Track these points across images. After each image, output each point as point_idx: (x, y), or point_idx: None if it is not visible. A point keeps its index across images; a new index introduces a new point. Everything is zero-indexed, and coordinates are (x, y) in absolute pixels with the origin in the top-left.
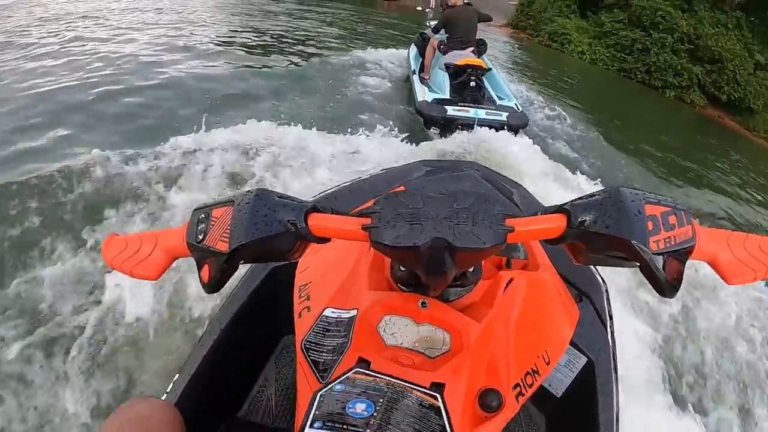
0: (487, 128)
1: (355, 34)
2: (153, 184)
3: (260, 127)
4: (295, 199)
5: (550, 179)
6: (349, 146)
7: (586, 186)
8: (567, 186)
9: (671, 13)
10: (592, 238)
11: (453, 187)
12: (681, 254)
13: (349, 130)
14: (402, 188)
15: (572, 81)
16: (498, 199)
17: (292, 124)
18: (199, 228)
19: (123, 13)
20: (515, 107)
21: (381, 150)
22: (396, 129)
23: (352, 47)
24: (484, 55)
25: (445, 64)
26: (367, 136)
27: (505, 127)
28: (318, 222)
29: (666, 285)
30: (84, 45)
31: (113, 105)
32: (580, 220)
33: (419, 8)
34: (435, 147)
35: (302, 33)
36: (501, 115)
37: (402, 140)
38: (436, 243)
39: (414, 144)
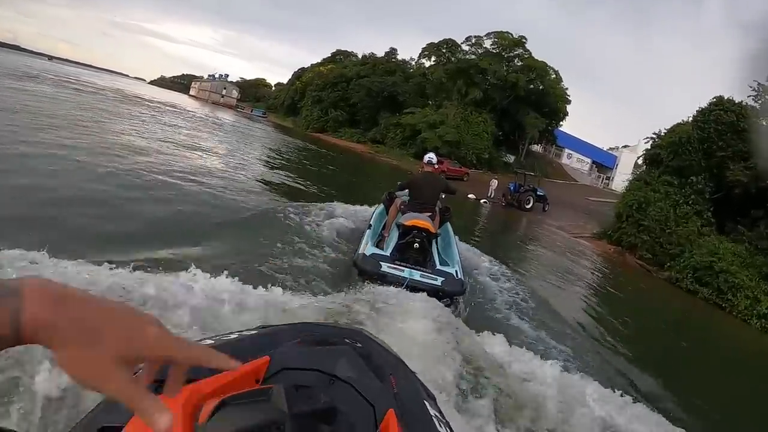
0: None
1: None
2: None
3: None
4: None
5: None
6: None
7: None
8: None
9: None
10: None
11: (323, 364)
12: None
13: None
14: (267, 358)
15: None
16: None
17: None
18: None
19: None
20: (454, 274)
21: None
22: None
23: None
24: (447, 223)
25: (396, 223)
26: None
27: (440, 293)
28: None
29: None
30: None
31: None
32: None
33: (474, 197)
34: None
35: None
36: (436, 280)
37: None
38: None
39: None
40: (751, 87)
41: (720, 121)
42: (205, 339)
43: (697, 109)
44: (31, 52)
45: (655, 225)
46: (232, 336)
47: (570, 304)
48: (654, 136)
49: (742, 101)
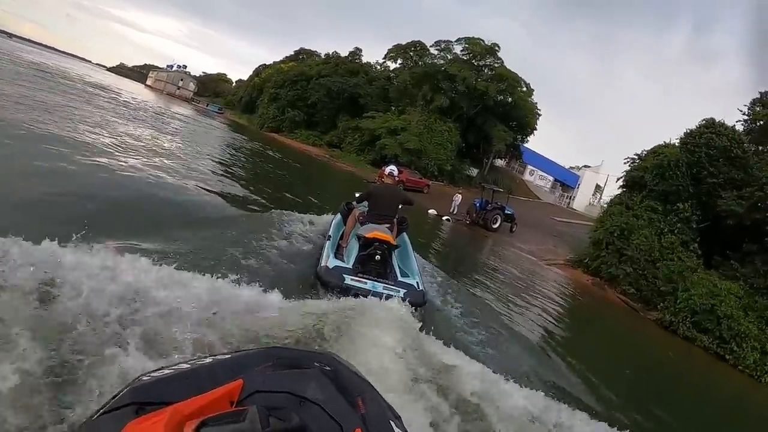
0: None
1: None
2: None
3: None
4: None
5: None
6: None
7: None
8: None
9: None
10: None
11: (294, 387)
12: None
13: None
14: (240, 381)
15: None
16: None
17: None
18: None
19: None
20: (416, 285)
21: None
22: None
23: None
24: (404, 233)
25: (356, 235)
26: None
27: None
28: None
29: None
30: None
31: None
32: None
33: (435, 214)
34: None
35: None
36: (399, 291)
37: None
38: None
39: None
40: (741, 111)
41: (711, 145)
42: (180, 363)
43: (686, 130)
44: None
45: (639, 255)
46: (207, 360)
47: (545, 345)
48: (635, 156)
49: (734, 125)
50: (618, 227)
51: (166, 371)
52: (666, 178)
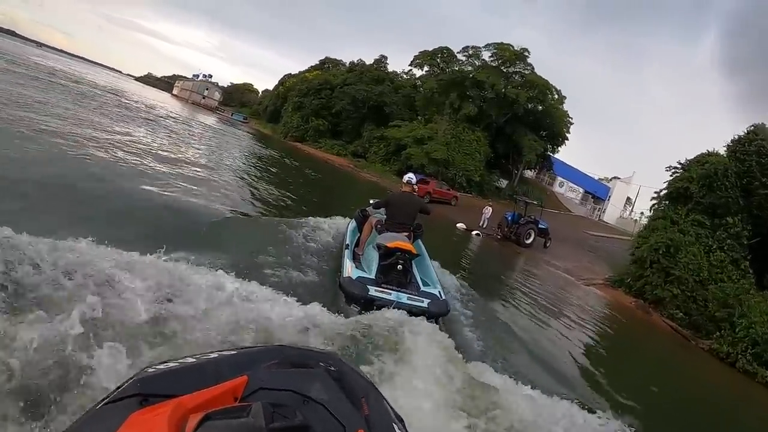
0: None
1: None
2: None
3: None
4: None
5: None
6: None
7: None
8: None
9: None
10: None
11: (298, 385)
12: None
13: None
14: (245, 377)
15: None
16: None
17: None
18: None
19: None
20: (438, 295)
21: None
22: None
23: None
24: (419, 240)
25: (376, 244)
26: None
27: (426, 314)
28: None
29: None
30: None
31: None
32: None
33: (464, 228)
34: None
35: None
36: (422, 302)
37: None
38: None
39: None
40: None
41: (762, 153)
42: (186, 357)
43: (733, 137)
44: (26, 38)
45: (687, 276)
46: (213, 355)
47: (586, 373)
48: (678, 165)
49: None
50: (663, 244)
51: (172, 364)
52: (713, 190)
